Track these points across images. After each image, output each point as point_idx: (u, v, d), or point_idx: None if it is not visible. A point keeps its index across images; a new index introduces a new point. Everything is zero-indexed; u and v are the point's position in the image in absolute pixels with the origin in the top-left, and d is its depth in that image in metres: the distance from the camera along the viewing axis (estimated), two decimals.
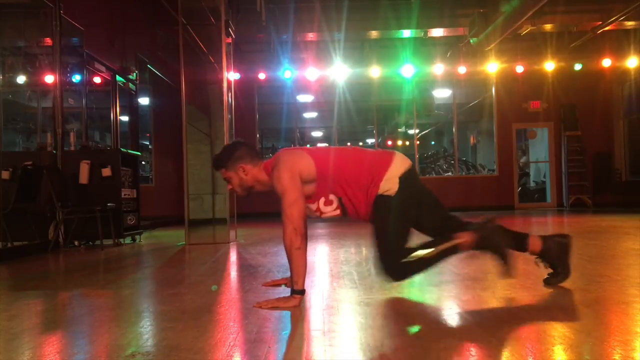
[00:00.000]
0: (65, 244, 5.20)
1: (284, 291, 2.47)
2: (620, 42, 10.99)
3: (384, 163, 2.34)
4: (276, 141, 15.97)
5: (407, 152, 14.68)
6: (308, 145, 16.61)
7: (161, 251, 5.10)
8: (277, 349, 1.65)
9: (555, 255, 2.40)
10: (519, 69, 11.05)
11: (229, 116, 5.81)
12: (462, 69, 11.02)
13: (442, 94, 13.39)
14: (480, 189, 11.73)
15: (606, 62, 10.96)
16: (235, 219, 5.97)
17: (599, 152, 11.68)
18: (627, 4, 8.67)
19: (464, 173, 13.22)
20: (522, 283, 2.59)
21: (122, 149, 6.12)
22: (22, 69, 7.05)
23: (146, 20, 9.27)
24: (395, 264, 2.32)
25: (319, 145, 18.25)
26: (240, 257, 4.27)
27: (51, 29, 5.60)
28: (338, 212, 2.41)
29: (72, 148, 6.03)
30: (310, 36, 10.19)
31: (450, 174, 13.17)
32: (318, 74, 10.86)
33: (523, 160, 13.72)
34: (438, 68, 11.03)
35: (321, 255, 4.12)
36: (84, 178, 5.33)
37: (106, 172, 5.43)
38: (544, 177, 12.70)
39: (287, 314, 2.09)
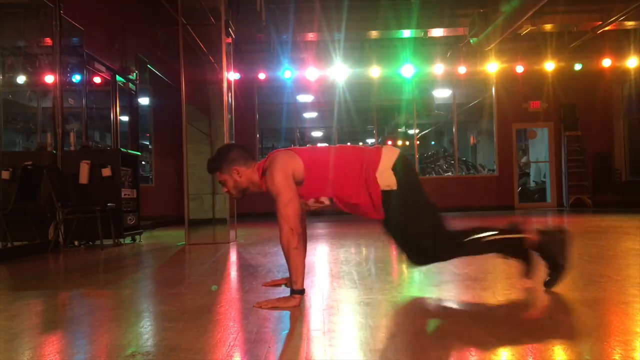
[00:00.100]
0: (65, 244, 5.20)
1: (284, 291, 2.47)
2: (620, 42, 11.00)
3: (373, 158, 2.32)
4: (276, 141, 15.97)
5: (407, 152, 14.70)
6: (308, 145, 16.64)
7: (161, 251, 5.10)
8: (277, 349, 1.65)
9: (551, 250, 2.37)
10: (519, 69, 11.05)
11: (229, 116, 5.81)
12: (462, 69, 11.02)
13: (442, 94, 13.39)
14: (480, 189, 11.73)
15: (606, 62, 10.96)
16: (235, 219, 5.98)
17: (599, 152, 11.68)
18: (627, 4, 8.67)
19: (464, 173, 13.22)
20: (522, 283, 2.59)
21: (122, 149, 6.12)
22: (22, 69, 7.05)
23: (146, 20, 9.27)
24: (441, 249, 2.35)
25: (319, 145, 18.26)
26: (240, 257, 4.27)
27: (51, 29, 5.60)
28: (327, 206, 2.42)
29: (72, 148, 6.03)
30: (310, 36, 10.19)
31: (450, 174, 13.17)
32: (318, 74, 10.86)
33: (524, 160, 13.72)
34: (438, 68, 11.03)
35: (321, 255, 4.13)
36: (84, 178, 5.33)
37: (106, 172, 5.43)
38: (544, 177, 12.70)
39: (287, 314, 2.10)
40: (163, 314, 2.20)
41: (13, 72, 6.91)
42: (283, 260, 2.32)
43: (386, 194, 2.29)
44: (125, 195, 5.67)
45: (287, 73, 10.75)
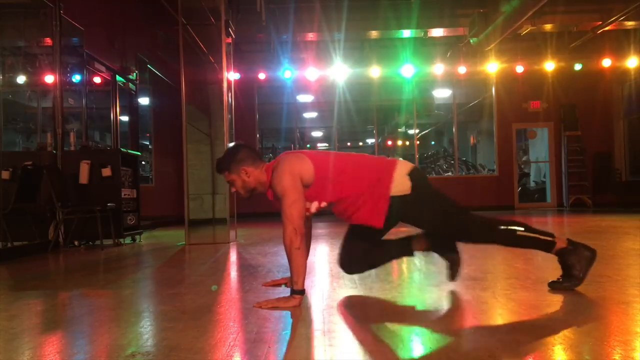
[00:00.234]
0: (65, 244, 5.20)
1: (284, 291, 2.47)
2: (620, 42, 11.00)
3: (389, 167, 2.37)
4: (276, 141, 15.97)
5: (407, 152, 14.77)
6: (308, 146, 16.65)
7: (161, 251, 5.09)
8: (277, 349, 1.65)
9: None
10: (519, 69, 11.05)
11: (229, 116, 5.81)
12: (462, 69, 11.02)
13: (442, 94, 13.39)
14: (480, 189, 11.73)
15: (606, 62, 10.96)
16: (235, 219, 5.97)
17: (599, 152, 11.68)
18: (627, 4, 8.67)
19: (464, 173, 13.22)
20: (522, 283, 2.59)
21: (122, 149, 6.12)
22: (22, 69, 7.05)
23: (146, 20, 9.27)
24: (476, 229, 2.39)
25: (319, 145, 18.26)
26: (240, 257, 4.27)
27: (51, 29, 5.60)
28: (326, 209, 2.42)
29: (72, 148, 6.03)
30: (310, 36, 10.19)
31: (450, 174, 13.17)
32: (318, 74, 10.86)
33: (524, 159, 13.72)
34: (438, 68, 11.03)
35: (321, 255, 4.12)
36: (84, 178, 5.33)
37: (106, 172, 5.43)
38: (544, 177, 12.70)
39: (287, 314, 2.10)
40: (163, 314, 2.20)
41: (13, 72, 6.91)
42: (283, 260, 2.32)
43: (398, 199, 2.31)
44: (125, 195, 5.67)
45: (287, 73, 10.75)
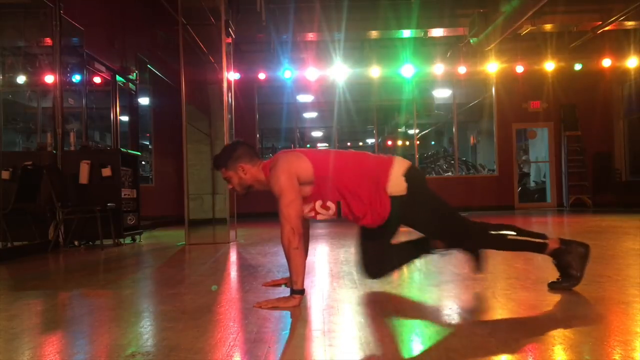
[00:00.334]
0: (65, 244, 5.20)
1: (284, 291, 2.47)
2: (620, 42, 10.99)
3: (385, 166, 2.35)
4: (276, 141, 15.97)
5: (407, 152, 14.76)
6: (308, 146, 16.65)
7: (161, 251, 5.10)
8: (277, 349, 1.65)
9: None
10: (519, 69, 11.05)
11: (229, 116, 5.81)
12: (462, 69, 11.02)
13: (442, 94, 13.40)
14: (480, 189, 11.73)
15: (606, 62, 10.96)
16: (235, 219, 5.97)
17: (599, 152, 11.68)
18: (627, 4, 8.67)
19: (464, 173, 13.22)
20: (522, 283, 2.59)
21: (122, 149, 6.12)
22: (22, 69, 7.05)
23: (146, 20, 9.27)
24: (467, 234, 2.38)
25: (319, 145, 18.25)
26: (240, 257, 4.27)
27: (51, 29, 5.60)
28: (333, 214, 2.41)
29: (72, 148, 6.03)
30: (310, 36, 10.19)
31: (450, 174, 13.17)
32: (318, 74, 10.86)
33: (524, 158, 13.72)
34: (438, 68, 11.03)
35: (321, 255, 4.12)
36: (84, 178, 5.33)
37: (106, 172, 5.43)
38: (544, 177, 12.70)
39: (287, 314, 2.09)
40: (163, 314, 2.20)
41: (13, 72, 6.91)
42: (283, 260, 2.32)
43: (396, 199, 2.30)
44: (125, 195, 5.67)
45: (287, 73, 10.74)
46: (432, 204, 2.39)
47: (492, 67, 10.90)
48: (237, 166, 2.42)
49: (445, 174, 13.41)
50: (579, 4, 9.44)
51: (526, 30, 9.70)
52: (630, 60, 10.80)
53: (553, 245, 2.36)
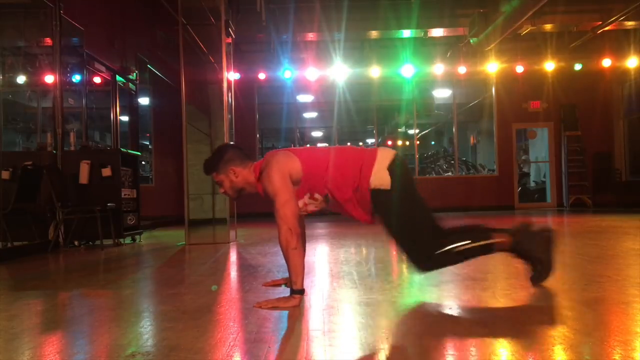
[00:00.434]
0: (65, 244, 5.20)
1: (284, 291, 2.47)
2: (620, 42, 11.00)
3: (369, 158, 2.33)
4: (276, 141, 15.97)
5: (407, 152, 14.75)
6: (308, 145, 16.65)
7: (161, 251, 5.10)
8: (277, 348, 1.65)
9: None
10: (519, 69, 11.05)
11: (229, 116, 5.81)
12: (462, 69, 11.02)
13: (442, 94, 13.40)
14: (480, 189, 11.74)
15: (606, 62, 10.97)
16: (235, 219, 5.97)
17: (599, 152, 11.68)
18: (627, 4, 8.67)
19: (464, 173, 13.22)
20: (522, 283, 2.59)
21: (122, 149, 6.12)
22: (22, 69, 7.05)
23: (146, 20, 9.27)
24: (424, 256, 2.33)
25: (319, 145, 18.27)
26: (240, 257, 4.27)
27: (51, 29, 5.60)
28: (322, 203, 2.40)
29: (72, 148, 6.03)
30: (310, 36, 10.19)
31: (450, 174, 13.17)
32: (318, 74, 10.86)
33: (523, 158, 13.72)
34: (438, 68, 11.03)
35: (321, 255, 4.12)
36: (84, 178, 5.33)
37: (106, 172, 5.43)
38: (544, 177, 12.70)
39: (287, 314, 2.09)
40: (163, 314, 2.20)
41: (13, 72, 6.90)
42: (283, 260, 2.32)
43: (378, 193, 2.29)
44: (125, 195, 5.67)
45: (287, 73, 10.75)
46: (412, 205, 2.34)
47: (492, 67, 10.90)
48: (228, 169, 2.41)
49: (445, 174, 13.41)
50: (579, 4, 9.45)
51: (526, 30, 9.70)
52: (630, 60, 10.81)
53: (500, 239, 2.32)
